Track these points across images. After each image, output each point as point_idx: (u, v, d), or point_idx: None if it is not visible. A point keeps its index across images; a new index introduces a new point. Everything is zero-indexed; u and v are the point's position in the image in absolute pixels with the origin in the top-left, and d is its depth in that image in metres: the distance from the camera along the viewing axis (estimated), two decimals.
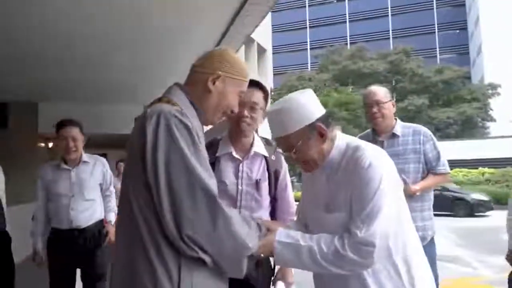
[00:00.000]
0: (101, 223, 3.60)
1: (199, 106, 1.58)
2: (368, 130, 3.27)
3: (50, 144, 10.15)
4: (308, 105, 1.62)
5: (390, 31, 53.15)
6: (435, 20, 52.14)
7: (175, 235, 1.32)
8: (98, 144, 10.01)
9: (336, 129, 1.71)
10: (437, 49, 51.61)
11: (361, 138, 2.91)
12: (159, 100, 1.52)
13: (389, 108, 3.09)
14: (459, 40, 51.09)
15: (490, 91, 37.13)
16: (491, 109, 37.30)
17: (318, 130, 1.60)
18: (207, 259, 1.35)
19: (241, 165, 2.18)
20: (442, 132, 36.07)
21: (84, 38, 5.00)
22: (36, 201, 3.56)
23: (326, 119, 1.64)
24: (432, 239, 3.05)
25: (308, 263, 1.51)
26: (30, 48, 5.23)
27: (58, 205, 3.45)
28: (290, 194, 2.35)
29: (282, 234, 1.56)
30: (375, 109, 3.05)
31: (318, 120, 1.60)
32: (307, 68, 50.13)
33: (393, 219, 1.50)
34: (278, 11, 50.34)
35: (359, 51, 42.26)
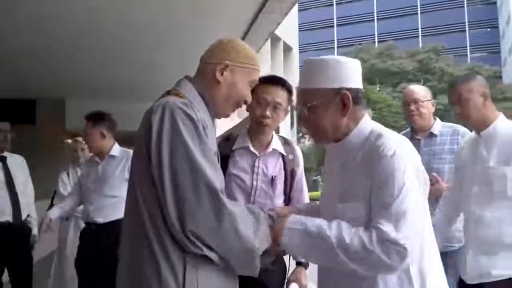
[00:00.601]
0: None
1: (209, 98, 1.53)
2: (408, 129, 3.27)
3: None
4: (346, 70, 1.48)
5: (419, 29, 52.26)
6: (466, 18, 51.02)
7: (178, 231, 1.29)
8: (122, 142, 10.14)
9: (366, 112, 1.54)
10: (468, 48, 50.52)
11: None
12: (168, 92, 1.50)
13: (428, 107, 3.08)
14: (490, 38, 49.87)
15: None
16: None
17: (342, 99, 1.45)
18: (213, 256, 1.31)
19: (257, 160, 2.14)
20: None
21: (112, 37, 5.06)
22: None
23: (357, 95, 1.48)
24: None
25: (322, 253, 1.36)
26: (59, 46, 5.33)
27: (85, 199, 3.47)
28: (306, 196, 2.29)
29: (294, 220, 1.42)
30: (412, 107, 3.05)
31: (348, 89, 1.45)
32: None
33: (417, 221, 1.34)
34: (306, 10, 50.11)
35: (388, 49, 41.68)
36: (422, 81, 39.65)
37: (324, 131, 1.50)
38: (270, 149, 2.16)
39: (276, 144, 2.19)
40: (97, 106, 8.83)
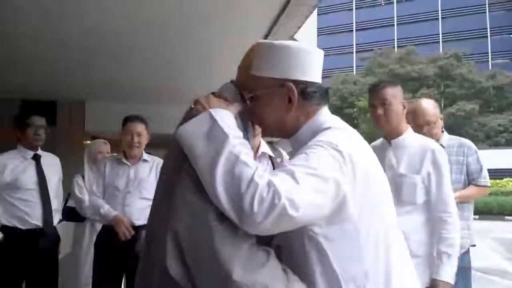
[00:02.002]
0: None
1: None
2: None
3: (89, 142, 10.46)
4: (297, 59, 1.31)
5: (440, 35, 51.64)
6: (488, 24, 50.28)
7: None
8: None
9: (324, 107, 1.38)
10: (489, 54, 49.73)
11: None
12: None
13: (439, 125, 3.25)
14: None
15: None
16: None
17: (287, 92, 1.30)
18: None
19: None
20: (492, 140, 34.74)
21: (130, 40, 5.08)
22: (90, 193, 3.53)
23: (306, 89, 1.32)
24: (468, 249, 3.12)
25: (210, 145, 1.16)
26: (79, 49, 5.37)
27: (112, 202, 3.39)
28: None
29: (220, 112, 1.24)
30: (425, 130, 3.14)
31: (297, 82, 1.31)
32: (353, 71, 49.44)
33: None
34: (325, 14, 49.93)
35: (408, 54, 41.24)
36: (442, 87, 39.20)
37: (267, 125, 1.38)
38: (259, 153, 2.14)
39: (264, 147, 2.18)
40: (117, 109, 8.95)
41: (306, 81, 1.33)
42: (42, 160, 3.63)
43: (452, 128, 41.47)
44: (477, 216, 17.63)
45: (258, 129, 1.53)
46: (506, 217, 18.26)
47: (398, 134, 2.57)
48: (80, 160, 4.38)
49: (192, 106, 1.34)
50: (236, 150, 1.14)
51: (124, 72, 6.62)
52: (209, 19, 4.53)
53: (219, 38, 5.10)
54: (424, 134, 3.06)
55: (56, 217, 3.66)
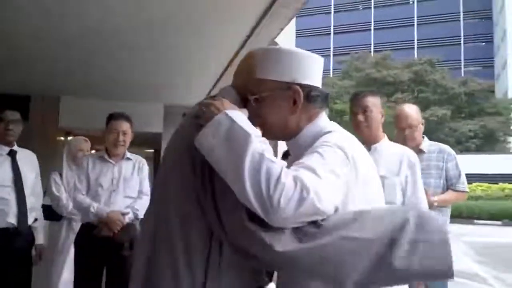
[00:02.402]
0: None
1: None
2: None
3: (70, 138, 10.23)
4: (302, 64, 1.38)
5: (415, 41, 52.59)
6: (462, 32, 51.44)
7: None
8: None
9: (323, 112, 1.45)
10: (462, 61, 50.91)
11: None
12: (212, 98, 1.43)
13: (420, 129, 3.31)
14: (485, 53, 50.34)
15: None
16: None
17: (293, 95, 1.35)
18: None
19: None
20: (463, 145, 35.51)
21: (108, 35, 4.99)
22: (75, 191, 3.44)
23: (311, 92, 1.38)
24: None
25: (232, 146, 1.18)
26: (53, 42, 5.25)
27: (96, 200, 3.35)
28: None
29: (236, 113, 1.26)
30: (407, 132, 3.24)
31: (303, 86, 1.36)
32: (330, 74, 49.88)
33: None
34: (303, 16, 50.21)
35: (384, 59, 41.81)
36: (416, 92, 39.89)
37: (270, 127, 1.39)
38: None
39: None
40: (92, 105, 8.78)
41: (310, 85, 1.39)
42: (18, 156, 3.49)
43: (425, 132, 41.99)
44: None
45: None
46: (475, 221, 18.78)
47: (376, 140, 2.76)
48: (53, 156, 4.28)
49: (204, 109, 1.32)
50: (260, 148, 1.17)
51: (101, 69, 6.50)
52: (192, 19, 4.49)
53: (201, 37, 5.05)
54: (405, 136, 3.21)
55: (32, 215, 3.49)
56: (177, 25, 4.70)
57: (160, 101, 9.09)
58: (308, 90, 1.38)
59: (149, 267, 1.32)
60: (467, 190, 3.37)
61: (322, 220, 1.17)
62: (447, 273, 1.19)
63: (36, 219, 3.55)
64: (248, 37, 4.70)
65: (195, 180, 1.27)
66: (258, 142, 1.19)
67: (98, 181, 3.41)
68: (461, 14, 51.62)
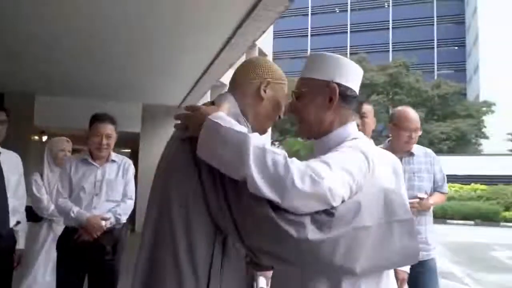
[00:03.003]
0: (125, 228, 3.39)
1: (251, 115, 1.56)
2: (386, 143, 3.42)
3: (44, 138, 10.03)
4: (342, 67, 1.50)
5: (390, 44, 53.37)
6: (435, 36, 52.44)
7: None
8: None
9: (354, 118, 1.57)
10: (435, 65, 51.88)
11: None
12: (212, 104, 1.51)
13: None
14: (457, 57, 51.42)
15: (484, 109, 37.33)
16: (485, 127, 37.51)
17: (330, 92, 1.47)
18: None
19: None
20: (435, 147, 36.16)
21: (85, 34, 4.94)
22: (57, 195, 3.30)
23: (346, 92, 1.49)
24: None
25: (232, 148, 1.24)
26: (29, 39, 5.16)
27: (78, 204, 3.21)
28: None
29: (219, 115, 1.32)
30: (413, 135, 3.22)
31: (340, 85, 1.48)
32: None
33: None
34: (281, 18, 50.24)
35: (360, 61, 42.27)
36: (391, 94, 40.49)
37: (307, 122, 1.52)
38: None
39: None
40: (69, 103, 8.64)
41: (347, 86, 1.50)
42: (2, 158, 3.36)
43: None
44: None
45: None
46: (448, 221, 19.22)
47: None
48: (27, 156, 4.14)
49: (187, 121, 1.41)
50: (259, 142, 1.24)
51: (75, 67, 6.42)
52: (174, 18, 4.48)
53: (182, 38, 5.04)
54: (410, 138, 3.19)
55: (14, 218, 3.35)
56: (157, 26, 4.68)
57: (138, 100, 9.02)
58: (344, 89, 1.49)
59: (150, 267, 1.35)
60: (447, 191, 3.46)
61: (332, 208, 1.23)
62: (418, 249, 1.34)
63: (18, 222, 3.40)
64: (230, 38, 4.72)
65: (204, 187, 1.32)
66: (255, 138, 1.25)
67: (80, 185, 3.28)
68: (435, 18, 52.58)
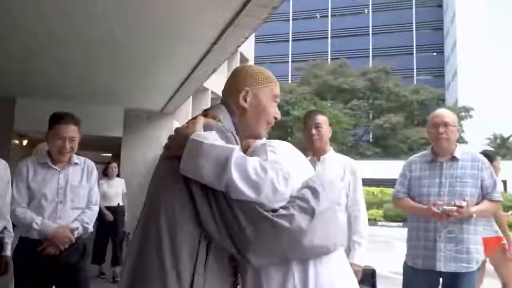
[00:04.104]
0: (92, 237, 3.15)
1: (242, 125, 1.62)
2: (425, 151, 3.35)
3: (25, 142, 9.90)
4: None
5: (370, 50, 54.01)
6: (414, 42, 53.25)
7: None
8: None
9: None
10: (414, 70, 52.63)
11: (417, 158, 3.29)
12: (205, 115, 1.56)
13: (454, 132, 3.19)
14: (436, 62, 52.26)
15: (463, 114, 38.00)
16: (463, 131, 38.18)
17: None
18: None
19: None
20: (415, 152, 36.45)
21: (67, 37, 4.93)
22: (13, 203, 2.95)
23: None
24: (481, 263, 3.21)
25: (215, 164, 1.34)
26: (11, 41, 5.13)
27: (40, 211, 2.90)
28: None
29: (200, 134, 1.42)
30: (441, 130, 3.13)
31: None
32: (288, 80, 50.42)
33: None
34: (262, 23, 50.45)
35: (340, 66, 42.75)
36: (371, 99, 40.96)
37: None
38: None
39: None
40: (50, 107, 8.51)
41: None
42: None
43: (379, 139, 43.44)
44: (401, 224, 18.52)
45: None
46: None
47: (325, 152, 3.30)
48: (7, 161, 3.94)
49: (171, 141, 1.49)
50: (236, 155, 1.34)
51: (58, 70, 6.38)
52: (157, 23, 4.51)
53: (166, 42, 5.06)
54: (441, 134, 3.12)
55: (1, 224, 3.21)
56: (139, 30, 4.70)
57: (120, 104, 8.96)
58: None
59: (136, 267, 1.39)
60: (501, 199, 3.19)
61: (304, 195, 1.41)
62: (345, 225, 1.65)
63: (5, 228, 3.27)
64: (213, 44, 4.77)
65: (195, 201, 1.38)
66: (236, 149, 1.36)
67: (41, 191, 2.93)
68: (414, 24, 53.40)
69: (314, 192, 1.42)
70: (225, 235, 1.34)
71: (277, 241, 1.32)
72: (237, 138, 1.54)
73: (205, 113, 1.58)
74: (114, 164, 7.37)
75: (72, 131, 2.97)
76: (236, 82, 1.63)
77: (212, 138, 1.39)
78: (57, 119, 2.97)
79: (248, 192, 1.32)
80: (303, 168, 1.56)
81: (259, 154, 1.50)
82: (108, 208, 6.85)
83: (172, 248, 1.34)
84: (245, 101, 1.60)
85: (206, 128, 1.44)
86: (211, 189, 1.35)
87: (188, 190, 1.37)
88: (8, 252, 3.29)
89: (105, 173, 7.18)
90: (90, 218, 3.10)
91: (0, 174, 3.25)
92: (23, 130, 8.94)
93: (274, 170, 1.34)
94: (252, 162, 1.34)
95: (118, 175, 7.48)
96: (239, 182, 1.31)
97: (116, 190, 7.16)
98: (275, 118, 1.67)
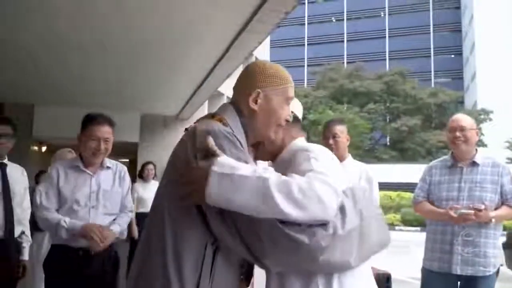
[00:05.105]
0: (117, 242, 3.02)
1: (250, 127, 1.54)
2: (446, 156, 3.37)
3: (44, 148, 10.04)
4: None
5: (387, 53, 53.62)
6: (432, 44, 52.71)
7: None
8: None
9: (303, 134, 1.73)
10: (432, 73, 52.07)
11: (437, 163, 3.29)
12: (212, 116, 1.52)
13: (473, 136, 3.19)
14: (454, 65, 51.59)
15: (482, 116, 37.42)
16: (483, 134, 37.58)
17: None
18: None
19: None
20: (433, 155, 36.15)
21: (86, 46, 5.00)
22: (40, 208, 2.84)
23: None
24: (499, 269, 3.16)
25: (250, 196, 1.27)
26: (29, 49, 5.22)
27: (72, 217, 2.78)
28: None
29: (222, 163, 1.31)
30: (458, 134, 3.16)
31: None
32: (304, 84, 50.33)
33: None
34: (277, 27, 50.44)
35: (357, 70, 42.51)
36: (387, 102, 40.61)
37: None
38: None
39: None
40: (68, 114, 8.66)
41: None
42: (8, 170, 3.35)
43: (396, 142, 43.04)
44: (419, 228, 18.33)
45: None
46: None
47: (342, 159, 3.30)
48: (25, 167, 4.00)
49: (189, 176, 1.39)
50: (275, 179, 1.29)
51: (77, 77, 6.47)
52: (171, 31, 4.55)
53: (180, 50, 5.10)
54: (457, 137, 3.15)
55: (19, 229, 3.33)
56: (155, 39, 4.75)
57: (136, 110, 9.05)
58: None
59: (141, 271, 1.41)
60: None
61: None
62: (389, 237, 1.54)
63: (23, 232, 3.38)
64: (227, 50, 4.79)
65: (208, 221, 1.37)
66: (271, 177, 1.30)
67: (73, 196, 2.83)
68: (431, 26, 52.89)
69: (342, 208, 1.38)
70: (240, 245, 1.33)
71: (294, 255, 1.30)
72: (243, 141, 1.49)
73: (213, 115, 1.53)
74: (150, 166, 6.80)
75: (106, 132, 2.89)
76: (248, 81, 1.55)
77: (231, 165, 1.31)
78: (90, 120, 2.91)
79: (297, 214, 1.27)
80: (341, 175, 1.51)
81: (301, 161, 1.44)
82: (144, 214, 5.99)
83: (175, 255, 1.35)
84: (256, 103, 1.52)
85: (213, 135, 1.38)
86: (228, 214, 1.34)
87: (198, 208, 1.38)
88: (26, 256, 3.41)
89: (140, 175, 6.77)
90: (125, 225, 3.02)
91: (16, 179, 3.40)
92: (42, 136, 9.07)
93: (322, 183, 1.31)
94: (296, 182, 1.29)
95: (154, 177, 6.84)
96: (287, 207, 1.26)
97: (154, 194, 6.90)
98: (287, 120, 1.59)
